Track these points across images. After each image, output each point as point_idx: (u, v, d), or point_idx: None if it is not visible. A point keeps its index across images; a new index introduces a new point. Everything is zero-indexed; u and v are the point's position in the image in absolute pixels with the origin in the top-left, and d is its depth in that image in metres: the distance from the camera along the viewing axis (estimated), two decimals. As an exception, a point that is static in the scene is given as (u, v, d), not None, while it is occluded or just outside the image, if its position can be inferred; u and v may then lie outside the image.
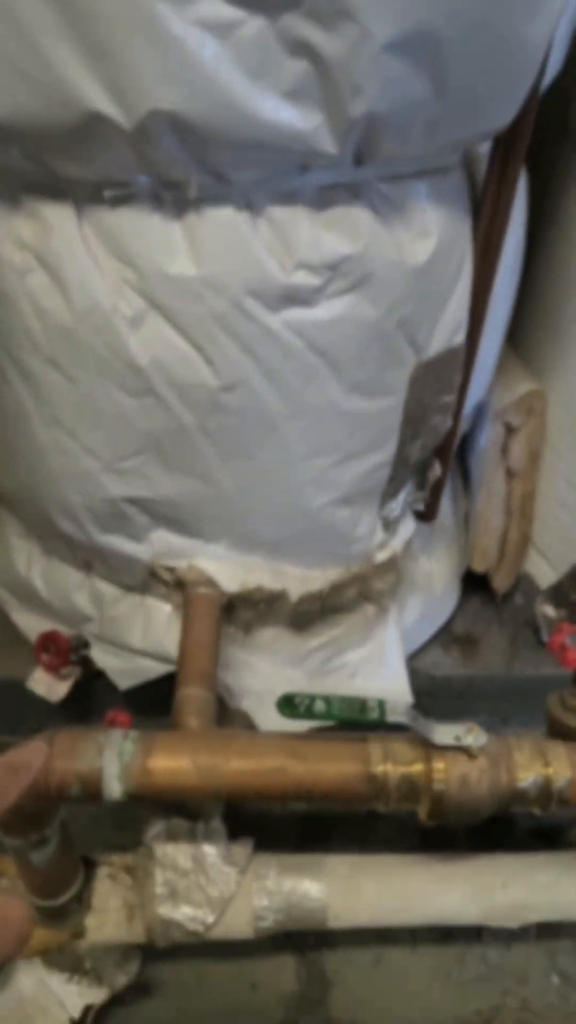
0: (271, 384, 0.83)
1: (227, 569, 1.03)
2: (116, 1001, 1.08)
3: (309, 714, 0.70)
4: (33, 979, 1.01)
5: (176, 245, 0.75)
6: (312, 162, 0.71)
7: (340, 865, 0.97)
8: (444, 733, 0.73)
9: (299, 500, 0.95)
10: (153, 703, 1.42)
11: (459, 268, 0.86)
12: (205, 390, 0.83)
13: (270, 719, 1.16)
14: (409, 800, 0.76)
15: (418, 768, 0.75)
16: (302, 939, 1.15)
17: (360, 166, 0.73)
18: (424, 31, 0.61)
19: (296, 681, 1.21)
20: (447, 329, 0.89)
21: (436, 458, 1.08)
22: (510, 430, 1.23)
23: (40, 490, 0.99)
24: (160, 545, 1.02)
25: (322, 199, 0.75)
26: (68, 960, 0.97)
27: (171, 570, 1.04)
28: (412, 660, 1.34)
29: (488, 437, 1.22)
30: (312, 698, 0.70)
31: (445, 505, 1.30)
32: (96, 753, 0.73)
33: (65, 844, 0.85)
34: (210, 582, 1.02)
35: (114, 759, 0.73)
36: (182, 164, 0.69)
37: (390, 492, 1.05)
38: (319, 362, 0.83)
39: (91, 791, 0.73)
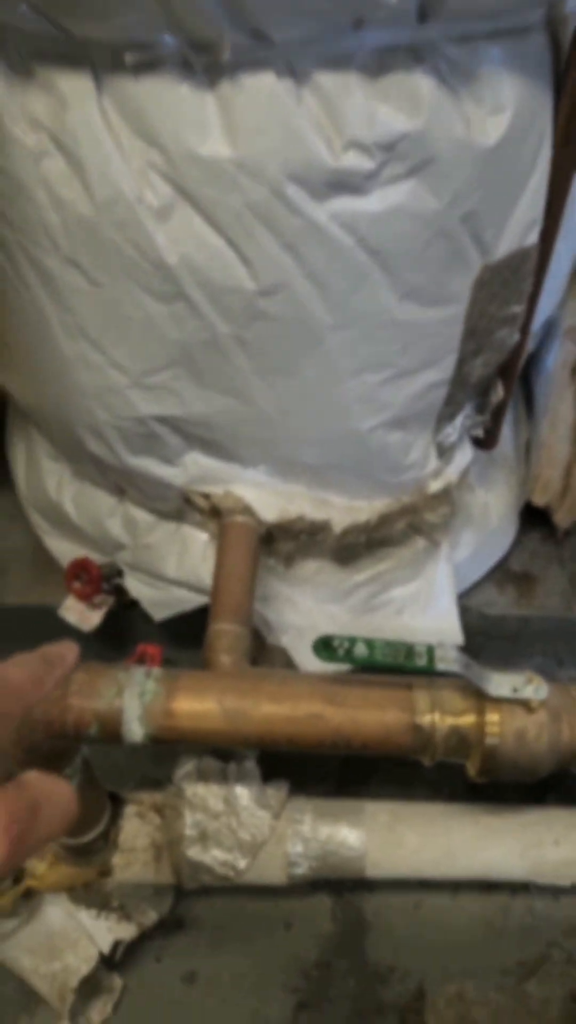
0: (316, 288, 0.73)
1: (266, 497, 0.95)
2: (147, 936, 1.05)
3: (349, 658, 0.63)
4: (61, 912, 0.98)
5: (208, 121, 0.65)
6: (368, 17, 0.60)
7: (380, 813, 0.91)
8: (501, 683, 0.65)
9: (345, 422, 0.86)
10: (191, 636, 1.37)
11: (536, 153, 0.74)
12: (241, 294, 0.73)
13: (310, 657, 1.10)
14: (458, 754, 0.69)
15: (469, 720, 0.68)
16: (339, 881, 1.10)
17: (424, 23, 0.62)
18: None
19: (339, 617, 1.14)
20: (519, 227, 0.78)
21: (499, 378, 0.98)
22: (582, 350, 1.12)
23: (66, 407, 0.92)
24: (194, 469, 0.94)
25: (378, 64, 0.64)
26: (96, 897, 0.94)
27: (206, 496, 0.97)
28: (464, 598, 1.25)
29: (557, 357, 1.11)
30: (353, 641, 0.63)
31: (506, 432, 1.19)
32: (116, 692, 0.67)
33: (88, 783, 0.81)
34: (247, 510, 0.95)
35: (135, 699, 0.67)
36: (214, 20, 0.59)
37: (446, 415, 0.96)
38: (371, 263, 0.73)
39: (110, 732, 0.67)
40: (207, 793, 0.89)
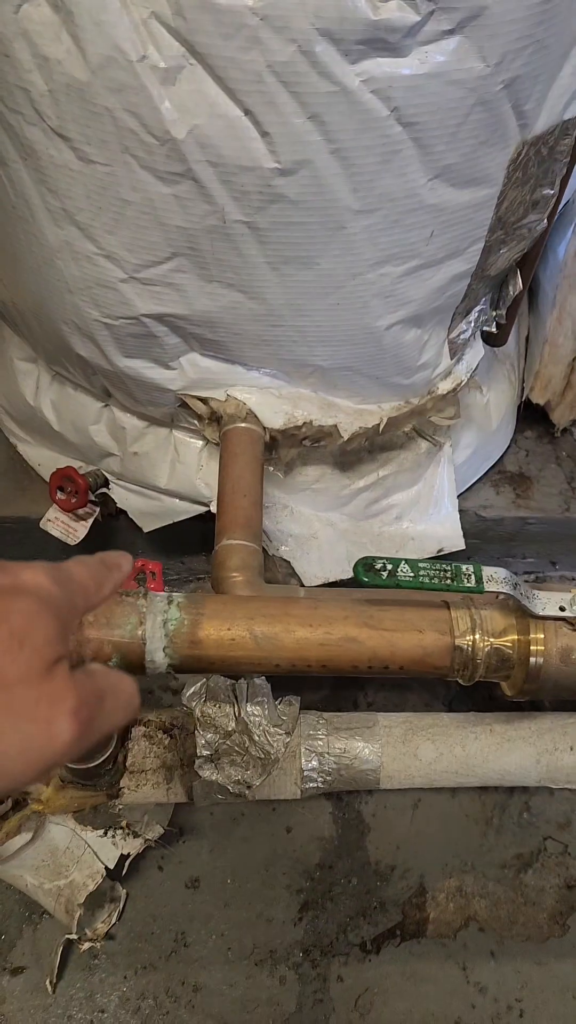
0: (341, 165, 0.65)
1: (271, 401, 0.88)
2: (148, 845, 1.04)
3: (393, 581, 0.58)
4: (66, 830, 0.96)
5: (226, -41, 0.55)
6: None
7: (394, 725, 0.89)
8: (548, 602, 0.61)
9: (362, 318, 0.79)
10: (178, 543, 1.32)
11: (587, 10, 0.65)
12: (258, 174, 0.65)
13: (311, 567, 1.06)
14: (498, 674, 0.66)
15: (511, 639, 0.65)
16: (344, 789, 1.10)
17: None
18: None
19: (338, 524, 1.09)
20: (561, 97, 0.70)
21: (517, 269, 0.91)
22: (595, 238, 1.05)
23: (49, 303, 0.83)
24: (192, 372, 0.87)
25: None
26: (102, 818, 0.91)
27: (205, 401, 0.90)
28: (461, 500, 1.22)
29: (570, 246, 1.04)
30: (396, 563, 0.58)
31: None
32: (137, 621, 0.61)
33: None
34: (251, 416, 0.88)
35: (158, 628, 0.62)
36: None
37: (462, 310, 0.89)
38: (403, 136, 0.64)
39: (132, 663, 0.62)
40: (218, 712, 0.85)
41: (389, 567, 0.59)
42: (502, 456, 1.29)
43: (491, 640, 0.64)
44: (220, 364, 0.86)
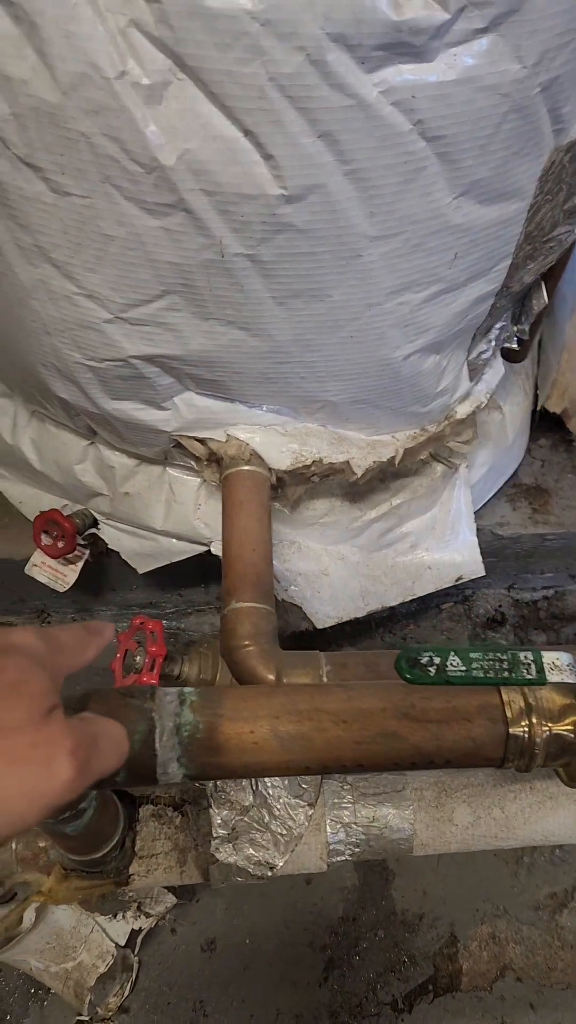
0: (357, 188, 0.56)
1: (276, 440, 0.80)
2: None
3: (442, 677, 0.50)
4: (70, 912, 0.88)
5: (219, -45, 0.46)
6: None
7: (426, 788, 0.82)
8: (614, 683, 0.53)
9: (378, 350, 0.71)
10: (172, 579, 1.23)
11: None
12: (260, 201, 0.56)
13: (323, 607, 0.98)
14: (557, 761, 0.58)
15: (572, 721, 0.57)
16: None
17: None
18: None
19: (349, 557, 1.01)
20: (600, 96, 0.61)
21: (542, 281, 0.82)
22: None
23: (24, 345, 0.74)
24: (188, 412, 0.78)
25: None
26: (111, 905, 0.84)
27: (203, 442, 0.81)
28: (476, 518, 1.14)
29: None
30: (445, 655, 0.50)
31: (524, 335, 1.05)
32: (146, 729, 0.53)
33: (102, 803, 0.69)
34: (255, 457, 0.80)
35: (170, 736, 0.53)
36: None
37: (483, 329, 0.81)
38: (428, 151, 0.55)
39: (142, 776, 0.54)
40: (233, 786, 0.78)
41: (437, 661, 0.51)
42: (517, 468, 1.21)
43: (549, 725, 0.56)
44: (219, 403, 0.77)
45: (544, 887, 1.10)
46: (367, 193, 0.57)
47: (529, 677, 0.51)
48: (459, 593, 1.28)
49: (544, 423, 1.22)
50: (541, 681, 0.52)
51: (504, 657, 0.52)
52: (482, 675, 0.51)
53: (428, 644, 0.48)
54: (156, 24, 0.48)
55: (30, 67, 0.50)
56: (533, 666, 0.52)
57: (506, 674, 0.52)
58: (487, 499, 1.16)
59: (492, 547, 1.17)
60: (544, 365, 1.15)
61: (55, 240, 0.61)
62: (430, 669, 0.51)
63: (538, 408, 1.18)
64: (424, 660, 0.51)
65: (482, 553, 1.07)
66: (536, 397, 1.18)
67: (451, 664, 0.51)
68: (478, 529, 1.10)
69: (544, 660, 0.52)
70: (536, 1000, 1.02)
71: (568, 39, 0.53)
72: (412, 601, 1.05)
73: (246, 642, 0.71)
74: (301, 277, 0.62)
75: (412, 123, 0.53)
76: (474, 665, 0.52)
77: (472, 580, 1.06)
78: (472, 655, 0.52)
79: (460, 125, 0.55)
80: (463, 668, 0.51)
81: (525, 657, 0.52)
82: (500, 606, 1.29)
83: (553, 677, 0.52)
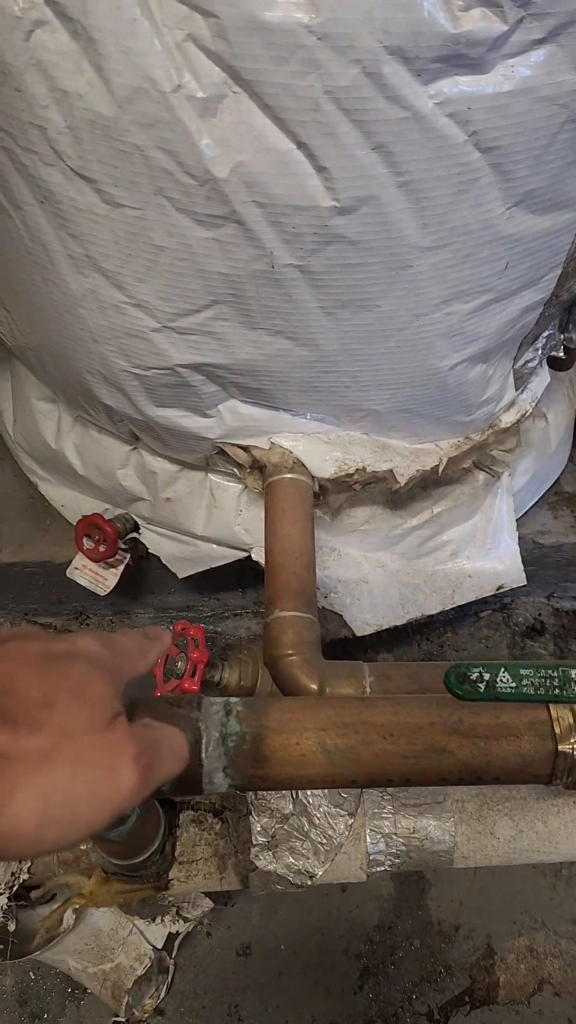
0: (409, 200, 0.56)
1: (319, 448, 0.80)
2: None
3: (492, 693, 0.50)
4: (109, 914, 0.89)
5: (278, -31, 0.46)
6: None
7: (467, 800, 0.81)
8: None
9: (425, 360, 0.70)
10: (210, 583, 1.23)
11: None
12: (312, 213, 0.56)
13: (363, 614, 0.98)
14: (605, 780, 0.57)
15: (622, 741, 0.56)
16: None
17: None
18: None
19: (388, 564, 1.01)
20: None
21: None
22: None
23: (71, 353, 0.74)
24: (232, 419, 0.78)
25: None
26: (150, 908, 0.85)
27: (246, 449, 0.81)
28: (517, 526, 1.13)
29: None
30: (495, 670, 0.50)
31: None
32: (193, 739, 0.53)
33: (145, 809, 0.69)
34: (298, 465, 0.80)
35: (216, 746, 0.53)
36: None
37: (530, 338, 0.80)
38: (482, 162, 0.55)
39: (188, 786, 0.54)
40: (273, 793, 0.78)
41: (487, 677, 0.51)
42: (560, 476, 1.20)
43: (599, 743, 0.55)
44: (263, 411, 0.77)
45: (583, 901, 1.09)
46: (419, 204, 0.56)
47: (581, 696, 0.51)
48: (497, 601, 1.27)
49: (586, 429, 1.21)
50: (594, 699, 0.51)
51: (555, 674, 0.52)
52: (532, 692, 0.51)
53: (477, 660, 0.47)
54: (213, 39, 0.48)
55: (87, 81, 0.51)
56: (586, 683, 0.51)
57: (557, 691, 0.51)
58: (529, 507, 1.15)
59: (533, 555, 1.16)
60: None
61: (106, 250, 0.61)
62: (480, 685, 0.51)
63: (581, 415, 1.16)
64: (474, 676, 0.51)
65: (523, 562, 1.06)
66: (579, 404, 1.16)
67: (501, 680, 0.51)
68: (519, 537, 1.09)
69: (597, 678, 0.52)
70: (574, 1015, 1.01)
71: (627, 48, 0.52)
72: (451, 608, 1.04)
73: (289, 651, 0.71)
74: (350, 288, 0.62)
75: (467, 134, 0.53)
76: (524, 682, 0.51)
77: (512, 588, 1.06)
78: (523, 671, 0.51)
79: (516, 136, 0.54)
80: (513, 684, 0.51)
81: (574, 673, 0.51)
82: (540, 615, 1.27)
83: (606, 695, 0.51)
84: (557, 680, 0.51)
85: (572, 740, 0.56)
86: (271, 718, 0.56)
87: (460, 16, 0.47)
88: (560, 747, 0.55)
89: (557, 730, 0.56)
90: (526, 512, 1.16)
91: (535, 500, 1.16)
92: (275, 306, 0.63)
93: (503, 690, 0.51)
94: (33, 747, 0.34)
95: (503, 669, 0.51)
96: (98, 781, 0.36)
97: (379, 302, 0.63)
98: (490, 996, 1.02)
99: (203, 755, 0.54)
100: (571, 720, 0.56)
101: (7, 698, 0.35)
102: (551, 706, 0.57)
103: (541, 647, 1.26)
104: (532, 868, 1.11)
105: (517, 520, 1.13)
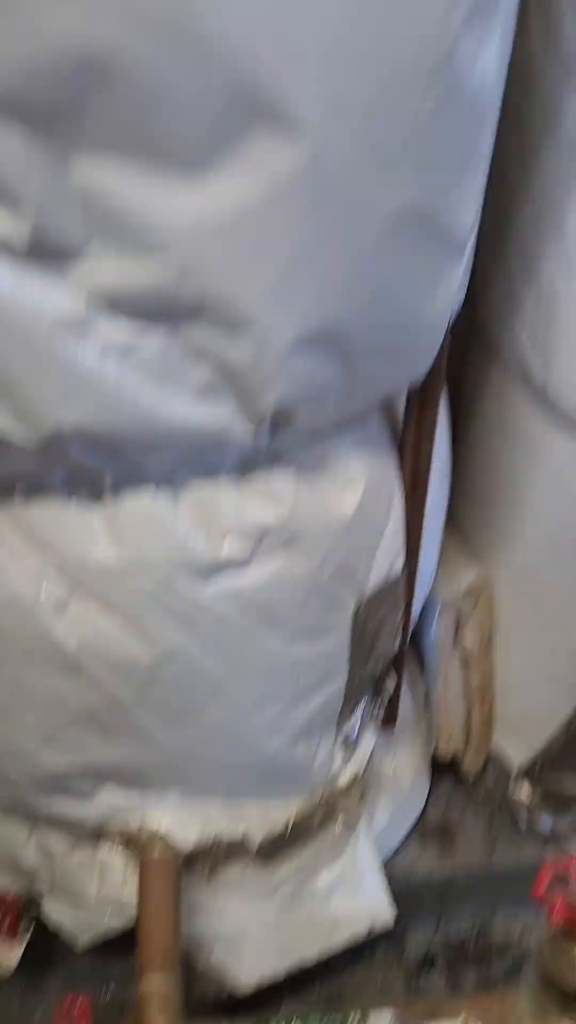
0: (209, 652, 0.79)
1: (183, 819, 0.96)
2: None
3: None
4: None
5: (96, 533, 0.72)
6: (227, 440, 0.69)
7: None
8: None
9: (253, 747, 0.90)
10: (115, 945, 1.29)
11: (389, 506, 0.84)
12: (139, 666, 0.78)
13: (245, 969, 1.07)
14: None
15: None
16: None
17: (277, 436, 0.72)
18: (327, 327, 0.61)
19: (268, 915, 1.12)
20: (384, 563, 0.87)
21: (391, 667, 1.04)
22: (460, 619, 1.21)
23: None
24: (108, 803, 0.95)
25: (243, 468, 0.73)
26: None
27: (120, 831, 0.97)
28: (388, 864, 1.26)
29: (438, 632, 1.19)
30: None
31: (403, 697, 1.25)
32: None
33: None
34: (165, 843, 0.95)
35: None
36: (94, 462, 0.67)
37: (347, 713, 1.01)
38: (256, 622, 0.79)
39: None
40: None
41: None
42: (423, 810, 1.34)
43: None
44: (132, 794, 0.94)
45: None
46: (218, 653, 0.80)
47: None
48: (391, 937, 1.35)
49: (446, 764, 1.38)
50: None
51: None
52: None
53: (372, 1002, 0.57)
54: (58, 569, 0.73)
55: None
56: (358, 1029, 0.64)
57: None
58: (396, 845, 1.28)
59: (407, 890, 1.27)
60: (433, 715, 1.34)
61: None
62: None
63: (433, 752, 1.34)
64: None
65: (398, 899, 1.17)
66: (430, 741, 1.35)
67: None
68: (391, 876, 1.21)
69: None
70: None
71: (339, 547, 0.79)
72: (347, 949, 1.13)
73: (159, 1016, 0.81)
74: (178, 708, 0.83)
75: (240, 608, 0.77)
76: (311, 1032, 0.64)
77: (401, 922, 1.16)
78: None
79: (277, 603, 0.79)
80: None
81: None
82: (430, 947, 1.35)
83: (375, 1037, 0.64)
84: (337, 1027, 0.64)
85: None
86: None
87: (218, 547, 0.73)
88: None
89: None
90: (397, 848, 1.29)
91: (402, 837, 1.30)
92: (124, 724, 0.83)
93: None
94: None
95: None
96: None
97: (204, 715, 0.84)
98: None
99: None
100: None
101: None
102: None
103: (435, 980, 1.31)
104: None
105: (390, 857, 1.27)
